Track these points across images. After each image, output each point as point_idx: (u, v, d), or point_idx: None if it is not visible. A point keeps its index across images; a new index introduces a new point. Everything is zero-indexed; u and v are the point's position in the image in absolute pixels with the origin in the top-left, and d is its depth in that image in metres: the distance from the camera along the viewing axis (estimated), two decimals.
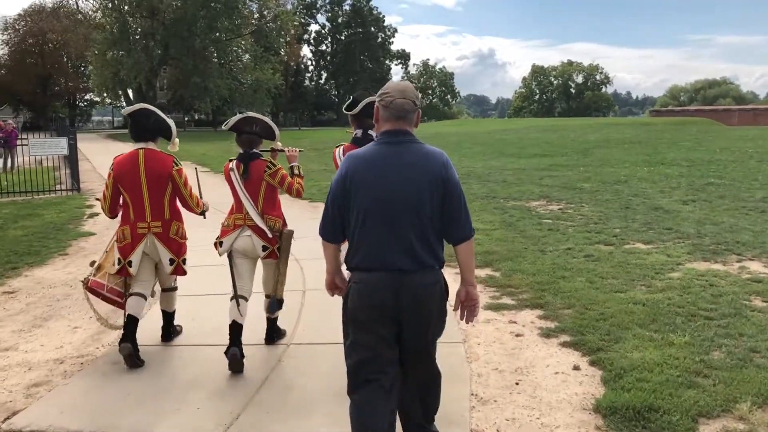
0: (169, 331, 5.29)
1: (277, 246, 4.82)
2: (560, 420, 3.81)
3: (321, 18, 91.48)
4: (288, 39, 74.58)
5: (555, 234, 9.07)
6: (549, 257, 7.68)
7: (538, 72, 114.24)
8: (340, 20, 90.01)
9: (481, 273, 7.11)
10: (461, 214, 3.02)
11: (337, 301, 3.36)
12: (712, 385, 4.11)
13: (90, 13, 64.45)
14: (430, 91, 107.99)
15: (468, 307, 3.18)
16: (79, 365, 4.81)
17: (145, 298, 5.01)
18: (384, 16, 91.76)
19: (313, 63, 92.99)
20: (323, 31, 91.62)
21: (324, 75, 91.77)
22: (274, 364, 4.75)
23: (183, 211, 5.06)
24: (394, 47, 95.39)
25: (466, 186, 15.41)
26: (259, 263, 5.02)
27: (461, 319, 3.25)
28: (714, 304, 5.74)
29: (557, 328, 5.29)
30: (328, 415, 3.98)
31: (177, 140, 5.23)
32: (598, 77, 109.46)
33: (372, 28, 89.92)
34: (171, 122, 5.16)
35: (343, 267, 3.25)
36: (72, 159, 16.95)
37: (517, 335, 5.22)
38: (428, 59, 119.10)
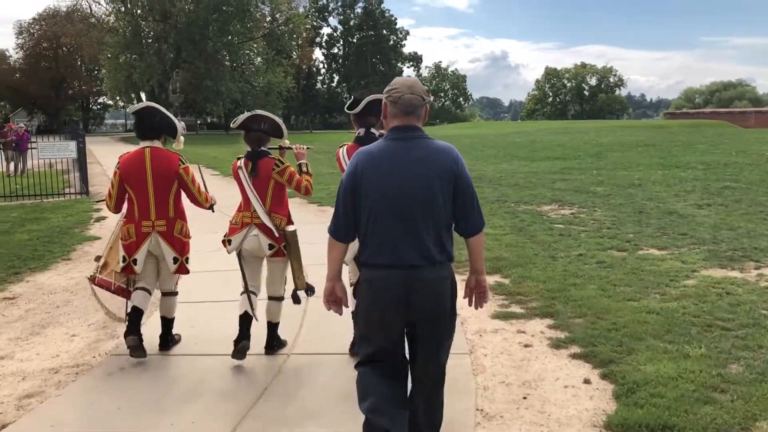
0: (167, 339, 5.14)
1: (283, 244, 4.79)
2: None
3: (333, 21, 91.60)
4: (300, 42, 74.69)
5: (566, 239, 8.86)
6: (560, 264, 7.48)
7: (551, 74, 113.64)
8: (352, 23, 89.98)
9: (490, 280, 6.87)
10: (473, 208, 3.05)
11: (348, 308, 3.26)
12: (730, 401, 3.91)
13: (103, 17, 64.78)
14: (442, 94, 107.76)
15: (478, 293, 3.23)
16: (74, 375, 4.68)
17: (150, 293, 5.06)
18: (396, 19, 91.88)
19: (325, 66, 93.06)
20: (335, 34, 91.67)
21: (336, 78, 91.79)
22: (273, 375, 4.60)
23: (187, 210, 5.08)
24: (406, 50, 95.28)
25: (477, 189, 15.15)
26: (265, 262, 4.98)
27: (470, 305, 3.28)
28: (731, 313, 5.52)
29: (567, 339, 5.10)
30: (328, 427, 3.85)
31: (182, 138, 5.31)
32: (611, 79, 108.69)
33: (384, 31, 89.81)
34: (176, 120, 5.17)
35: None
36: (81, 162, 16.93)
37: (526, 346, 5.04)
38: (440, 61, 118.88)
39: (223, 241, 4.96)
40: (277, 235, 4.78)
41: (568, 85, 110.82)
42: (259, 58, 66.54)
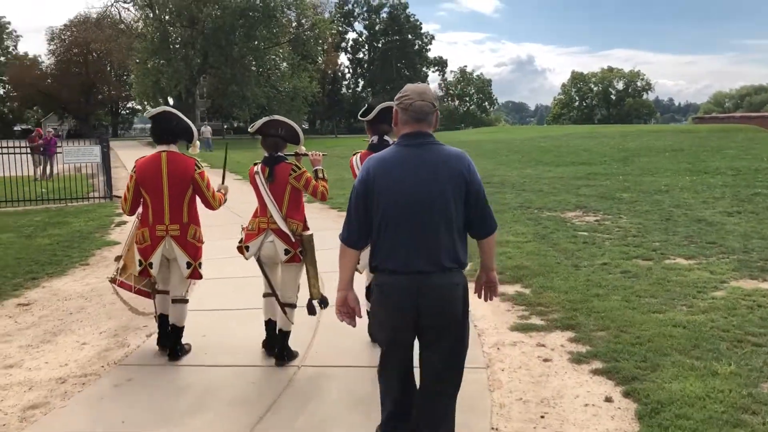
0: (177, 349, 5.04)
1: (299, 249, 4.77)
2: None
3: (358, 26, 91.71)
4: (325, 47, 74.88)
5: (590, 247, 8.63)
6: (583, 273, 7.26)
7: (577, 78, 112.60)
8: (377, 28, 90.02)
9: (509, 290, 6.74)
10: (486, 212, 3.07)
11: (362, 318, 3.20)
12: (761, 423, 3.68)
13: (132, 23, 65.62)
14: (467, 98, 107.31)
15: (488, 287, 3.27)
16: (80, 386, 4.59)
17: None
18: (421, 24, 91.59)
19: (350, 71, 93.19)
20: (360, 39, 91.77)
21: (361, 83, 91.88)
22: (282, 388, 4.46)
23: (201, 216, 5.14)
24: (431, 54, 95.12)
25: (499, 195, 15.05)
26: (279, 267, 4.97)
27: (479, 297, 3.31)
28: (763, 328, 5.26)
29: (589, 353, 4.89)
30: None
31: (198, 143, 5.35)
32: (639, 84, 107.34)
33: (409, 36, 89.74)
34: (192, 125, 5.25)
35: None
36: (106, 167, 17.02)
37: (545, 360, 4.85)
38: (465, 66, 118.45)
39: (240, 248, 4.96)
40: (293, 240, 4.76)
41: (595, 89, 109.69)
42: (284, 63, 66.77)
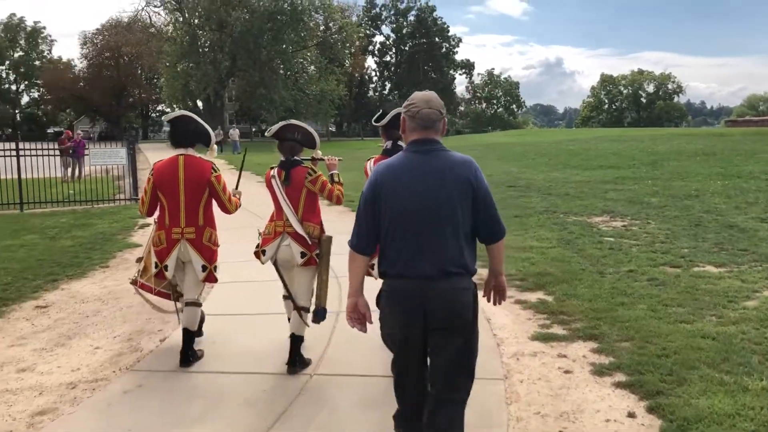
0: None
1: (315, 252, 4.78)
2: None
3: (386, 29, 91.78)
4: (352, 50, 75.03)
5: (616, 254, 8.39)
6: (608, 280, 7.05)
7: (607, 81, 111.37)
8: (404, 31, 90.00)
9: (532, 297, 6.56)
10: (493, 218, 3.07)
11: (374, 325, 3.15)
12: None
13: (162, 26, 66.45)
14: (494, 101, 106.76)
15: (497, 291, 3.27)
16: (91, 391, 4.53)
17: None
18: (449, 26, 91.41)
19: (377, 74, 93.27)
20: (388, 42, 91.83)
21: (388, 86, 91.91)
22: (293, 397, 4.35)
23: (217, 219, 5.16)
24: (458, 57, 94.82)
25: (524, 199, 14.82)
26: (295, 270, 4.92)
27: (488, 301, 3.29)
28: None
29: (612, 365, 4.70)
30: None
31: (215, 147, 5.47)
32: (670, 86, 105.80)
33: (436, 39, 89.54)
34: (210, 129, 5.26)
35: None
36: (132, 168, 17.15)
37: (566, 372, 4.67)
38: (493, 68, 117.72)
39: (256, 252, 4.96)
40: (309, 243, 4.76)
41: (625, 92, 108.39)
42: (312, 67, 67.08)
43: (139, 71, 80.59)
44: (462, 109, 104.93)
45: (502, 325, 5.73)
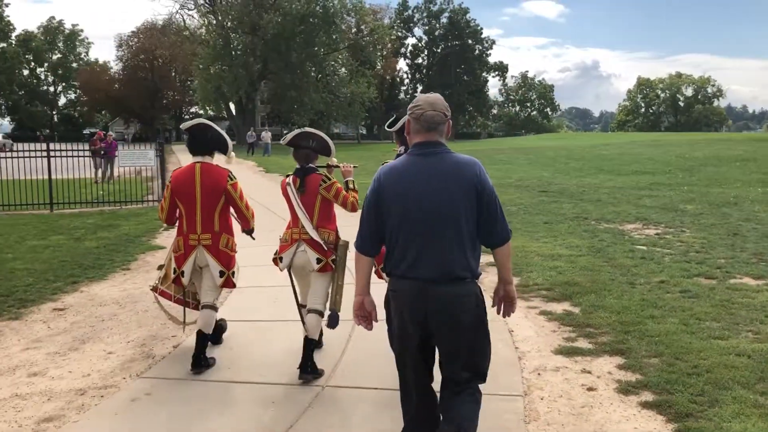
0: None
1: (331, 258, 4.77)
2: None
3: (418, 31, 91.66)
4: (384, 53, 75.01)
5: (648, 263, 8.09)
6: (638, 291, 6.77)
7: (644, 84, 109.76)
8: (437, 33, 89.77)
9: (558, 308, 6.33)
10: (497, 220, 3.03)
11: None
12: None
13: (195, 29, 67.24)
14: (528, 104, 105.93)
15: (506, 302, 3.21)
16: (99, 398, 4.44)
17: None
18: (482, 29, 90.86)
19: (409, 76, 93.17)
20: (420, 45, 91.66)
21: (419, 88, 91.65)
22: (302, 410, 4.19)
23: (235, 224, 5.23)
24: (492, 59, 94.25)
25: (555, 205, 14.51)
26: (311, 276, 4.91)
27: (498, 313, 3.24)
28: None
29: (639, 383, 4.46)
30: None
31: (233, 154, 5.41)
32: (709, 90, 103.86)
33: (469, 41, 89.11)
34: (227, 137, 5.30)
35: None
36: (161, 170, 17.23)
37: (590, 389, 4.44)
38: (527, 71, 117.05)
39: (274, 259, 5.01)
40: (325, 249, 4.76)
41: (662, 95, 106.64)
42: (343, 69, 67.23)
43: (173, 73, 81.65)
44: (495, 112, 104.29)
45: (525, 338, 5.51)
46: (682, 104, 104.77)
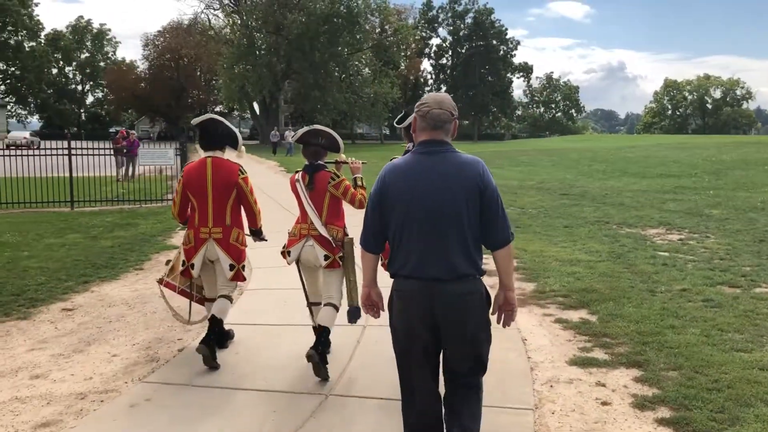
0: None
1: (339, 255, 4.82)
2: None
3: (442, 31, 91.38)
4: (408, 53, 74.82)
5: (670, 270, 7.85)
6: (658, 299, 6.56)
7: (671, 86, 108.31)
8: (461, 33, 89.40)
9: (574, 316, 6.14)
10: (499, 220, 3.00)
11: None
12: None
13: (220, 29, 67.66)
14: (553, 105, 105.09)
15: (506, 311, 3.15)
16: (99, 403, 4.35)
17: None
18: (507, 29, 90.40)
19: (433, 77, 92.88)
20: (444, 45, 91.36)
21: (443, 88, 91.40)
22: (303, 420, 4.05)
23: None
24: (517, 60, 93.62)
25: (577, 208, 14.25)
26: (321, 272, 4.98)
27: (498, 322, 3.17)
28: None
29: (656, 398, 4.27)
30: None
31: (243, 149, 5.46)
32: (738, 92, 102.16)
33: (494, 41, 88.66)
34: (237, 132, 5.37)
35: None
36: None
37: (604, 403, 4.25)
38: (552, 72, 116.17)
39: (283, 253, 5.04)
40: (333, 245, 4.81)
41: (689, 97, 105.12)
42: (366, 69, 67.19)
43: (198, 73, 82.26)
44: (519, 113, 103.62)
45: (539, 347, 5.34)
46: (709, 106, 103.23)
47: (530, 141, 68.48)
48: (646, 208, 13.95)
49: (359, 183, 5.04)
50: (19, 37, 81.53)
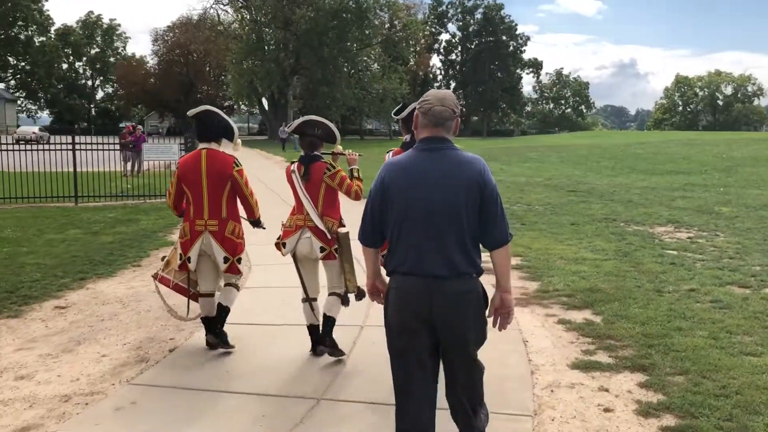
0: (215, 327, 5.10)
1: (334, 247, 4.83)
2: None
3: (452, 27, 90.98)
4: (417, 48, 74.53)
5: (678, 270, 7.66)
6: (665, 300, 6.37)
7: (681, 82, 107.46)
8: (471, 29, 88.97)
9: (578, 317, 5.96)
10: (497, 220, 2.97)
11: None
12: None
13: (229, 24, 67.62)
14: (562, 101, 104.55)
15: (502, 314, 3.09)
16: (83, 406, 4.22)
17: (214, 296, 5.24)
18: (516, 25, 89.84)
19: (442, 72, 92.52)
20: (453, 41, 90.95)
21: (452, 84, 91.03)
22: (291, 427, 3.90)
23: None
24: (528, 56, 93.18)
25: (584, 205, 14.04)
26: (321, 264, 5.03)
27: (494, 326, 3.11)
28: None
29: (660, 404, 4.09)
30: None
31: (239, 141, 5.42)
32: (749, 88, 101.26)
33: (503, 37, 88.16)
34: (233, 124, 5.35)
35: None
36: None
37: (606, 410, 4.08)
38: (562, 68, 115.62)
39: (277, 244, 5.05)
40: (329, 237, 4.83)
41: (700, 94, 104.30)
42: (375, 65, 66.97)
43: (207, 68, 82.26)
44: (528, 109, 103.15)
45: (540, 349, 5.17)
46: (720, 103, 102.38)
47: (540, 137, 68.13)
48: (654, 205, 13.73)
49: (356, 174, 5.00)
50: (30, 32, 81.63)
